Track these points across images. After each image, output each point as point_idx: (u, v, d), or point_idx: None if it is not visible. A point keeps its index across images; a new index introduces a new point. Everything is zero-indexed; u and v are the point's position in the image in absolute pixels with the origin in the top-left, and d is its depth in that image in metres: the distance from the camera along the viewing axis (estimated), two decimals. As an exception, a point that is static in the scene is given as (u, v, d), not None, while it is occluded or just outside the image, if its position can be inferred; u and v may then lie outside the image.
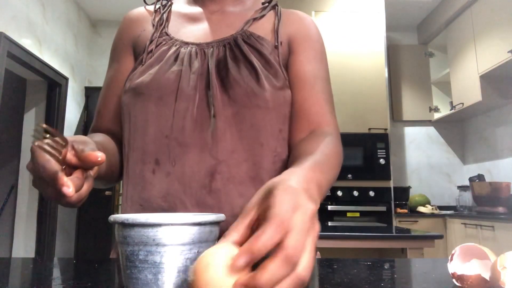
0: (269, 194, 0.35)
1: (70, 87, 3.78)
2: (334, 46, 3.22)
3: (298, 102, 0.68)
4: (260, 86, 0.62)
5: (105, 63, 3.96)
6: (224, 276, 0.30)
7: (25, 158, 3.43)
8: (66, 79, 3.68)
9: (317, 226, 0.36)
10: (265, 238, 0.30)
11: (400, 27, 4.22)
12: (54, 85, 3.54)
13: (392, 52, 4.05)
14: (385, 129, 3.11)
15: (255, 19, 0.71)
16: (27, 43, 3.05)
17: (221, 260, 0.31)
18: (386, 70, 3.20)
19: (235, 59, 0.65)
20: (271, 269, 0.29)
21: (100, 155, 0.41)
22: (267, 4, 0.75)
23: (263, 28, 0.70)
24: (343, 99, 3.13)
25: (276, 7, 0.75)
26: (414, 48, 4.13)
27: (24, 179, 3.41)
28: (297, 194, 0.35)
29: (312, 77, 0.69)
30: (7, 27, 2.78)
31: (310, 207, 0.35)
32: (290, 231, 0.31)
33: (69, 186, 0.39)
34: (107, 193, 3.90)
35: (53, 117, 3.48)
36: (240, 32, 0.68)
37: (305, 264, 0.31)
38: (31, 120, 3.48)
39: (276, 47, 0.69)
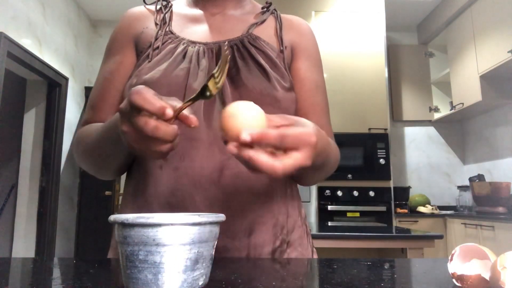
0: (304, 124, 0.46)
1: (70, 87, 3.78)
2: (334, 46, 3.22)
3: (301, 109, 0.71)
4: (272, 86, 0.64)
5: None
6: (248, 123, 0.41)
7: (25, 158, 3.43)
8: (66, 79, 3.68)
9: (309, 162, 0.45)
10: (291, 132, 0.42)
11: (400, 27, 4.22)
12: (54, 85, 3.54)
13: (392, 52, 4.05)
14: (385, 129, 3.11)
15: (257, 24, 0.73)
16: (27, 43, 3.05)
17: (249, 112, 0.42)
18: (386, 70, 3.20)
19: (243, 59, 0.66)
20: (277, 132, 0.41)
21: (195, 121, 0.44)
22: (266, 9, 0.77)
23: (266, 33, 0.72)
24: (343, 99, 3.13)
25: (275, 12, 0.77)
26: (414, 48, 4.13)
27: (24, 179, 3.41)
28: (309, 143, 0.44)
29: (314, 87, 0.72)
30: (7, 27, 2.78)
31: (308, 161, 0.44)
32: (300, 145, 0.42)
33: (170, 109, 0.42)
34: (107, 193, 3.90)
35: (53, 117, 3.48)
36: (246, 35, 0.70)
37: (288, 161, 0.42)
38: (31, 120, 3.48)
39: (281, 51, 0.71)
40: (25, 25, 3.02)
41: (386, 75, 3.19)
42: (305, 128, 0.44)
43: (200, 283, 0.39)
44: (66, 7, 3.70)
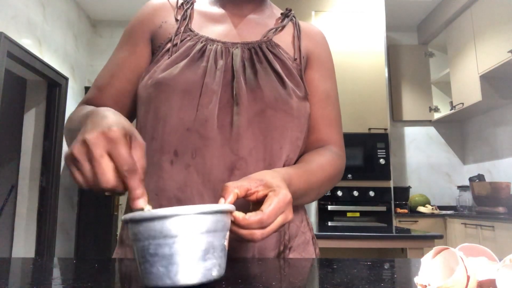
0: (271, 187, 0.49)
1: (70, 87, 3.77)
2: (334, 46, 3.21)
3: (312, 119, 0.72)
4: (287, 93, 0.65)
5: (105, 63, 3.90)
6: None
7: (25, 158, 3.43)
8: (66, 79, 3.68)
9: (290, 216, 0.51)
10: (266, 219, 0.46)
11: (400, 27, 4.22)
12: (54, 85, 3.53)
13: (392, 52, 4.05)
14: (385, 129, 3.11)
15: (276, 30, 0.73)
16: (27, 43, 3.05)
17: None
18: (386, 70, 3.20)
19: (261, 63, 0.67)
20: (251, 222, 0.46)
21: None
22: (285, 15, 0.77)
23: (283, 40, 0.73)
24: (343, 99, 3.09)
25: (294, 19, 0.77)
26: (414, 48, 4.13)
27: (24, 179, 3.41)
28: (287, 203, 0.49)
29: (326, 97, 0.73)
30: (7, 27, 2.78)
31: (290, 216, 0.50)
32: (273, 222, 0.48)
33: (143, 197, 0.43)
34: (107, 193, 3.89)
35: (53, 117, 3.48)
36: (265, 40, 0.70)
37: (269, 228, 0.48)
38: (31, 120, 3.48)
39: (295, 59, 0.71)
40: (25, 25, 3.02)
41: (386, 75, 3.19)
42: (276, 195, 0.48)
43: (214, 273, 0.39)
44: (66, 7, 3.70)
